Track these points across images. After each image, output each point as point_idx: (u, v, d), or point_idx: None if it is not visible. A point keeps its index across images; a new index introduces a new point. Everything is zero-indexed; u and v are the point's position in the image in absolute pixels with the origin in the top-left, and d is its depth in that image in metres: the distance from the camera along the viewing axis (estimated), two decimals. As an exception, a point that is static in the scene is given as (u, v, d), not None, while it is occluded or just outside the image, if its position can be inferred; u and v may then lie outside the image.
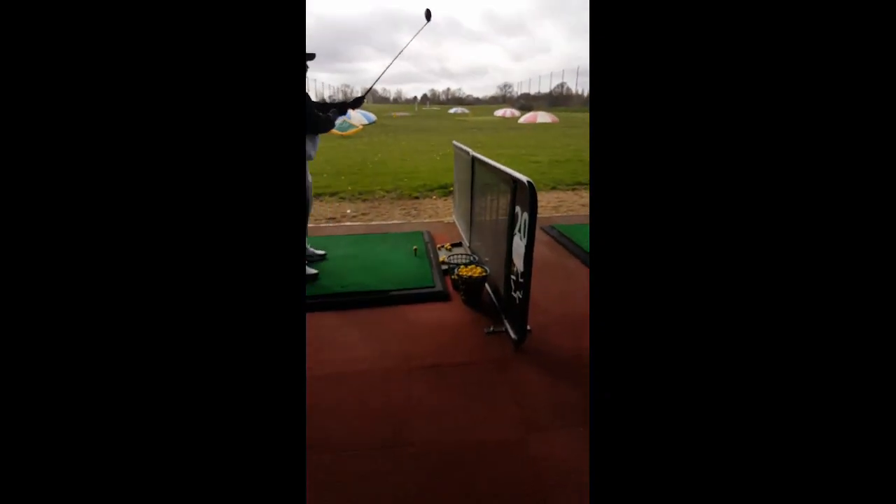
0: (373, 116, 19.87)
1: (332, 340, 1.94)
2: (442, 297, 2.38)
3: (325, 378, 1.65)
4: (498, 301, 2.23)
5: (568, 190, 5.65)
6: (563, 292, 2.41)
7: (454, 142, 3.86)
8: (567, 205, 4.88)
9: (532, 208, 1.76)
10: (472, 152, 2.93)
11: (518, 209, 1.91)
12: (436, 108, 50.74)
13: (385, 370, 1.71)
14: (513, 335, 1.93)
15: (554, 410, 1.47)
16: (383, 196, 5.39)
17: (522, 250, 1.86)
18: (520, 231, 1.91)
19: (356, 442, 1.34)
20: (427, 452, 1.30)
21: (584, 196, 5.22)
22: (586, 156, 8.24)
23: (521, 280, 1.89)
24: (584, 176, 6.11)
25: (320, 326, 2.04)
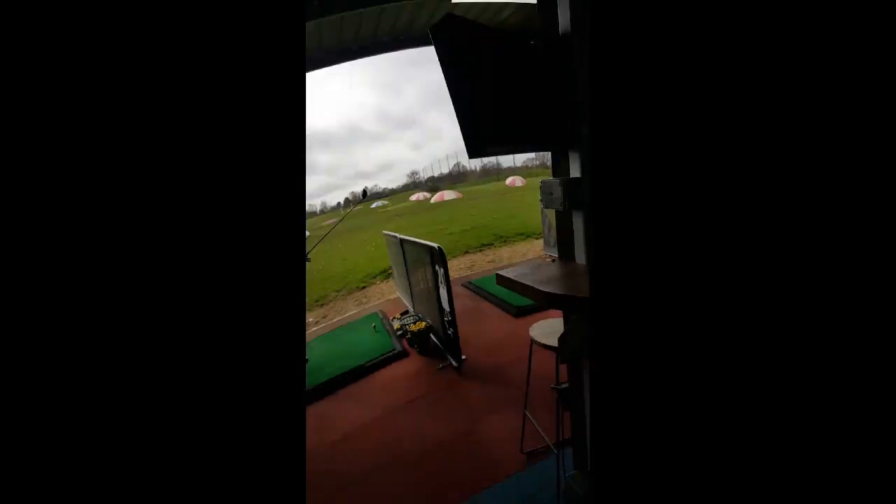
0: (306, 233, 20.72)
1: (329, 420, 2.52)
2: (403, 355, 3.20)
3: (333, 443, 2.27)
4: (440, 343, 3.12)
5: (477, 252, 6.98)
6: (481, 329, 3.39)
7: (383, 231, 4.85)
8: (478, 265, 6.11)
9: (444, 265, 2.68)
10: (399, 235, 3.79)
11: (437, 267, 2.78)
12: (359, 207, 52.94)
13: (373, 420, 2.42)
14: (454, 364, 2.82)
15: (488, 407, 2.26)
16: (335, 296, 6.12)
17: (446, 296, 2.75)
18: (441, 283, 2.79)
19: (365, 467, 2.00)
20: (416, 455, 2.02)
21: (490, 255, 6.56)
22: (486, 222, 9.99)
23: (450, 319, 2.83)
24: (488, 239, 7.64)
25: (319, 411, 2.63)
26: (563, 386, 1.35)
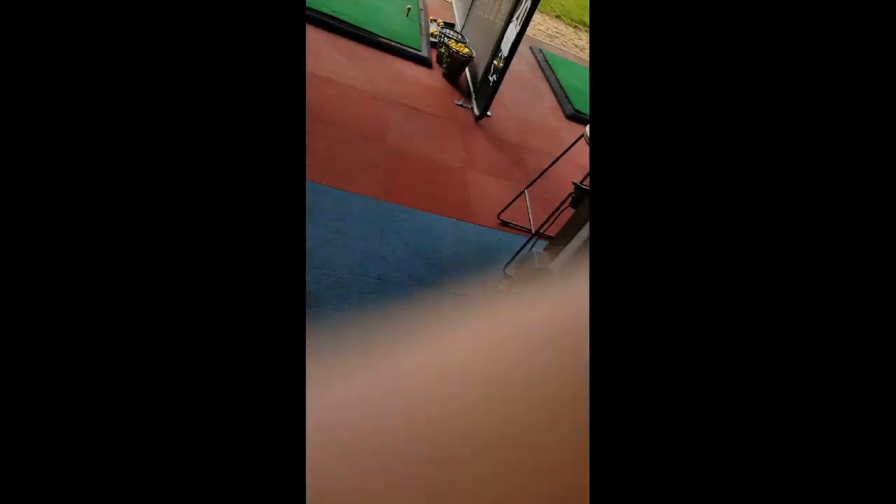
0: None
1: (319, 52, 2.07)
2: (426, 62, 2.52)
3: (320, 79, 1.89)
4: (473, 84, 2.48)
5: (570, 25, 5.26)
6: (526, 103, 2.75)
7: None
8: (563, 38, 4.69)
9: (535, 2, 1.89)
10: None
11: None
12: None
13: (371, 94, 2.00)
14: (476, 111, 2.30)
15: (489, 167, 2.01)
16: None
17: (513, 37, 2.04)
18: (517, 18, 2.03)
19: (349, 125, 1.73)
20: (398, 149, 1.78)
21: (583, 38, 5.00)
22: None
23: (501, 66, 2.13)
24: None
25: (309, 38, 2.10)
26: (585, 186, 1.33)
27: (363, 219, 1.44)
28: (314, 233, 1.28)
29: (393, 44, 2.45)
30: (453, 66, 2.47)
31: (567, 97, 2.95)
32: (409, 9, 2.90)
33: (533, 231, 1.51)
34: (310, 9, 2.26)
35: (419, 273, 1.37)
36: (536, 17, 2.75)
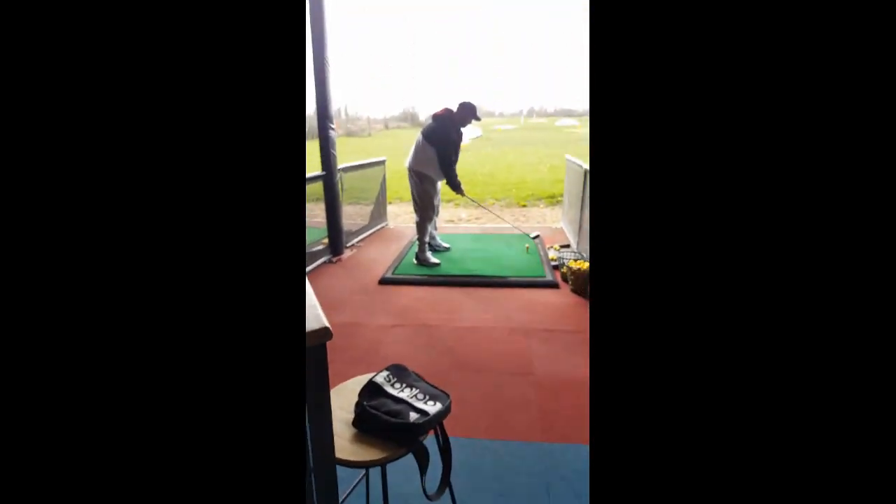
0: (479, 131, 21.69)
1: (460, 306, 2.59)
2: (553, 285, 2.84)
3: (462, 329, 2.29)
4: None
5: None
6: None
7: (567, 155, 4.28)
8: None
9: None
10: (584, 166, 3.34)
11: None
12: (542, 120, 50.48)
13: (509, 329, 2.27)
14: (617, 318, 2.30)
15: None
16: (493, 203, 6.04)
17: None
18: None
19: (496, 366, 1.92)
20: (544, 378, 1.80)
21: None
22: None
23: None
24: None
25: (447, 298, 2.70)
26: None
27: (525, 471, 1.35)
28: (477, 499, 1.24)
29: (521, 279, 2.93)
30: (578, 281, 2.71)
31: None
32: (527, 247, 3.60)
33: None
34: (447, 275, 3.04)
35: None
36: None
